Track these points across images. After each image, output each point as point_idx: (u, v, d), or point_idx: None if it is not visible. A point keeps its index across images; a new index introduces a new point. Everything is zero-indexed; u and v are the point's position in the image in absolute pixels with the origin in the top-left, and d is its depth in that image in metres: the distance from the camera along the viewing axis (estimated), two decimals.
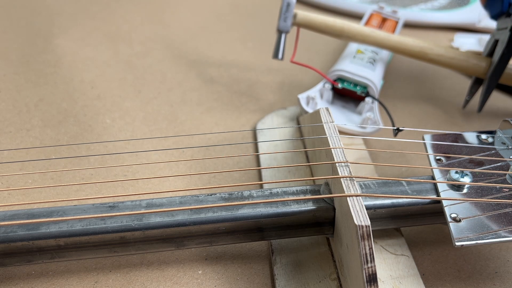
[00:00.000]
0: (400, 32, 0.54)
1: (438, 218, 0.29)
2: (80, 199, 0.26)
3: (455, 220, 0.26)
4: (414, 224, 0.31)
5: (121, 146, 0.40)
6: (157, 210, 0.26)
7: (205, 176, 0.37)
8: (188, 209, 0.27)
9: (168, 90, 0.48)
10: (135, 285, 0.29)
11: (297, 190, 0.29)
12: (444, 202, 0.27)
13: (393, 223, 0.30)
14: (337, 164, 0.27)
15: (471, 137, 0.33)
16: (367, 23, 0.52)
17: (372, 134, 0.40)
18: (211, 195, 0.28)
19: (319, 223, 0.28)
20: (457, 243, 0.25)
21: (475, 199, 0.27)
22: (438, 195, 0.28)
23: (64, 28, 0.57)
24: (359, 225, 0.22)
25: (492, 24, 0.60)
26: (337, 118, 0.42)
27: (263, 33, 0.59)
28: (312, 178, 0.34)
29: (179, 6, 0.66)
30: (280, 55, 0.43)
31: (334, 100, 0.44)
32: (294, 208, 0.27)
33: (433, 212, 0.29)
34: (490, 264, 0.31)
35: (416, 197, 0.28)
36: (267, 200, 0.27)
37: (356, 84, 0.42)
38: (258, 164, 0.38)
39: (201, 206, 0.25)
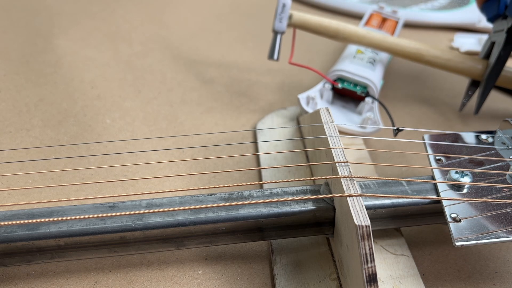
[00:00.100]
0: (400, 32, 0.54)
1: (438, 218, 0.29)
2: (80, 199, 0.26)
3: (455, 220, 0.26)
4: (414, 224, 0.31)
5: (121, 146, 0.40)
6: (157, 210, 0.26)
7: (205, 176, 0.37)
8: (188, 209, 0.27)
9: (168, 90, 0.48)
10: (135, 285, 0.29)
11: (297, 190, 0.29)
12: (444, 202, 0.27)
13: (393, 223, 0.30)
14: (337, 164, 0.27)
15: (471, 137, 0.33)
16: (367, 23, 0.52)
17: (372, 134, 0.40)
18: (211, 195, 0.28)
19: (319, 223, 0.28)
20: (457, 243, 0.25)
21: (475, 199, 0.27)
22: (438, 195, 0.28)
23: (64, 28, 0.57)
24: (359, 225, 0.22)
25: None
26: (337, 118, 0.42)
27: (263, 33, 0.59)
28: (312, 178, 0.34)
29: (179, 6, 0.66)
30: (275, 56, 0.43)
31: (334, 100, 0.44)
32: (294, 208, 0.27)
33: (433, 212, 0.29)
34: (490, 264, 0.31)
35: (416, 197, 0.28)
36: (267, 200, 0.27)
37: (356, 84, 0.42)
38: (258, 164, 0.38)
39: (201, 206, 0.25)
